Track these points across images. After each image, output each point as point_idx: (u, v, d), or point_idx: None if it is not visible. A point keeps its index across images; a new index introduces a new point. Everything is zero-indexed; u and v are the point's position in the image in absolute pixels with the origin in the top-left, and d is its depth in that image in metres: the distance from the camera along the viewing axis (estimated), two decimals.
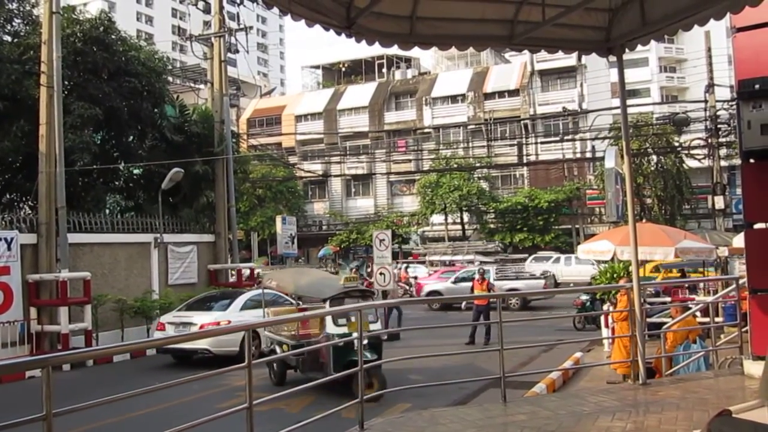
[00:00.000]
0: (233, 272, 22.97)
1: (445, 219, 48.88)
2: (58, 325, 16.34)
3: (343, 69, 64.51)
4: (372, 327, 11.41)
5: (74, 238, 17.56)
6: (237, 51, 24.43)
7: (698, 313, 11.68)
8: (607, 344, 14.74)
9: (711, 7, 6.28)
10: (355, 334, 10.29)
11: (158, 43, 34.33)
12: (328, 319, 11.45)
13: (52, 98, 16.82)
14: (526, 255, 41.11)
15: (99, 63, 20.01)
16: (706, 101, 28.57)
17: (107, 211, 22.74)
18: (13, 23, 20.59)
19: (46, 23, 17.09)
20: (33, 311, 16.39)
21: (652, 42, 7.57)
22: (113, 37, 20.93)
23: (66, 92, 18.99)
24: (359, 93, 57.72)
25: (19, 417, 3.61)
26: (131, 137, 22.40)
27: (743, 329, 8.53)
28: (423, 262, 38.67)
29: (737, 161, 15.70)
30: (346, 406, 6.34)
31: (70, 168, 17.94)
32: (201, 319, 14.46)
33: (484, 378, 11.28)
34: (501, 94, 52.44)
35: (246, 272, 23.20)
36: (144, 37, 43.80)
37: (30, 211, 19.43)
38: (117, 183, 23.34)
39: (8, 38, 20.18)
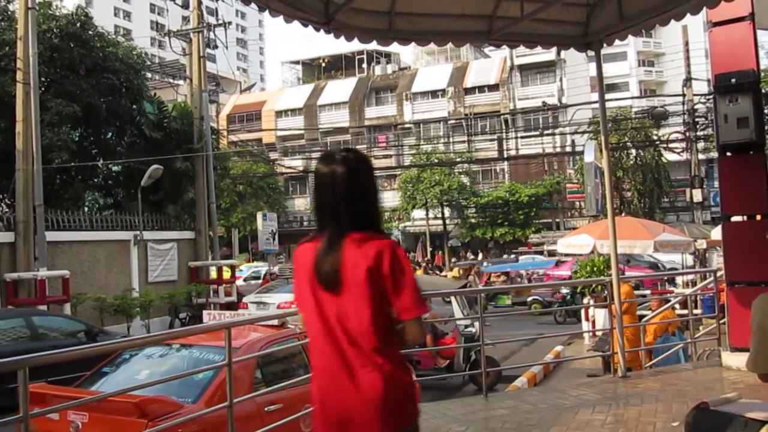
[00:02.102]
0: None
1: (426, 214, 48.94)
2: None
3: (323, 64, 64.33)
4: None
5: (52, 236, 17.38)
6: (216, 47, 24.27)
7: (677, 306, 11.81)
8: (587, 337, 14.87)
9: (687, 2, 6.34)
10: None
11: (136, 38, 34.01)
12: (457, 311, 11.99)
13: (28, 95, 16.60)
14: None
15: (76, 59, 19.79)
16: (683, 95, 28.81)
17: (86, 208, 22.52)
18: None
19: (21, 19, 16.85)
20: None
21: (631, 36, 7.63)
22: (90, 33, 20.72)
23: (43, 89, 18.77)
24: (339, 88, 57.59)
25: None
26: (110, 134, 22.21)
27: (721, 321, 8.63)
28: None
29: (715, 154, 15.85)
30: None
31: (47, 165, 17.73)
32: (279, 297, 14.78)
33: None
34: (481, 89, 52.54)
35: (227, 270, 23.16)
36: (122, 32, 43.42)
37: (7, 209, 19.21)
38: (96, 180, 23.12)
39: None
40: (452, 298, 12.11)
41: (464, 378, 11.76)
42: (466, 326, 11.71)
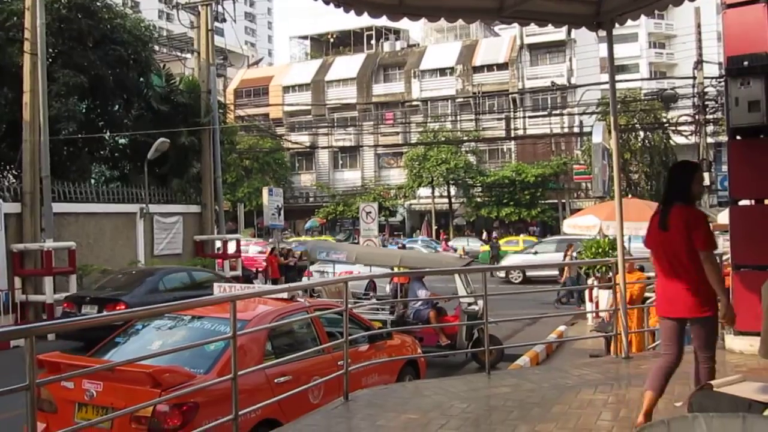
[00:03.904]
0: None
1: (432, 192, 48.91)
2: (43, 295, 16.25)
3: (332, 40, 64.02)
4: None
5: (59, 207, 17.43)
6: (224, 20, 24.16)
7: None
8: (590, 318, 14.88)
9: None
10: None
11: (144, 11, 33.91)
12: (461, 288, 12.00)
13: (36, 66, 16.57)
14: None
15: (84, 30, 19.72)
16: (694, 78, 28.61)
17: (92, 180, 22.54)
18: None
19: None
20: (17, 281, 16.28)
21: (642, 17, 7.55)
22: (99, 4, 20.61)
23: (50, 60, 18.72)
24: (347, 64, 57.34)
25: (3, 386, 3.60)
26: (117, 106, 22.17)
27: None
28: None
29: (723, 138, 15.82)
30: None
31: (54, 137, 17.74)
32: (338, 268, 15.05)
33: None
34: (490, 67, 52.24)
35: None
36: (130, 4, 43.21)
37: (14, 180, 19.25)
38: (102, 153, 23.13)
39: None
40: (455, 276, 12.12)
41: (467, 356, 11.81)
42: (469, 304, 11.75)
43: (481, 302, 11.95)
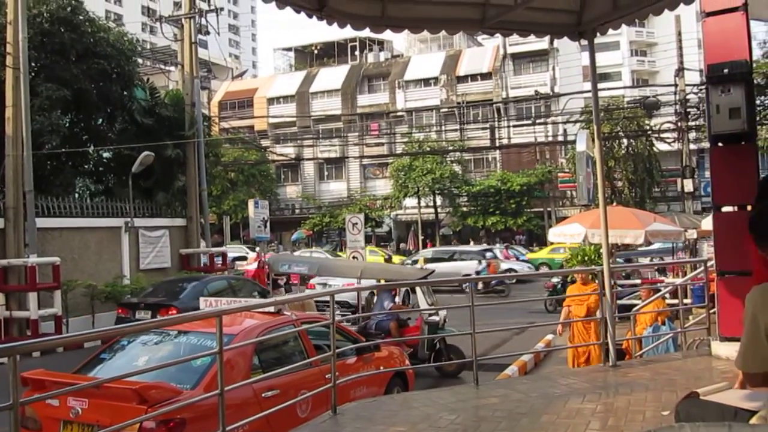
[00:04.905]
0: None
1: (418, 202, 48.97)
2: (28, 311, 16.07)
3: (316, 51, 64.12)
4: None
5: (43, 222, 17.30)
6: (208, 32, 24.10)
7: (667, 295, 11.85)
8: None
9: None
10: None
11: (127, 24, 33.84)
12: (422, 300, 12.12)
13: (18, 80, 16.47)
14: None
15: (67, 44, 19.62)
16: (676, 85, 28.84)
17: (77, 195, 22.39)
18: None
19: (11, 3, 16.68)
20: (1, 297, 16.13)
21: (623, 26, 7.61)
22: (81, 17, 20.51)
23: (33, 74, 18.63)
24: (332, 76, 57.42)
25: None
26: (101, 120, 22.06)
27: (711, 311, 8.66)
28: None
29: (706, 145, 15.88)
30: None
31: (37, 151, 17.62)
32: (338, 281, 15.69)
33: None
34: (474, 77, 52.50)
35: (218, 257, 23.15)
36: (113, 17, 43.17)
37: None
38: (86, 166, 22.97)
39: None
40: (417, 288, 12.19)
41: (429, 362, 11.73)
42: (430, 315, 11.80)
43: (442, 313, 12.05)
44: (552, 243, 30.77)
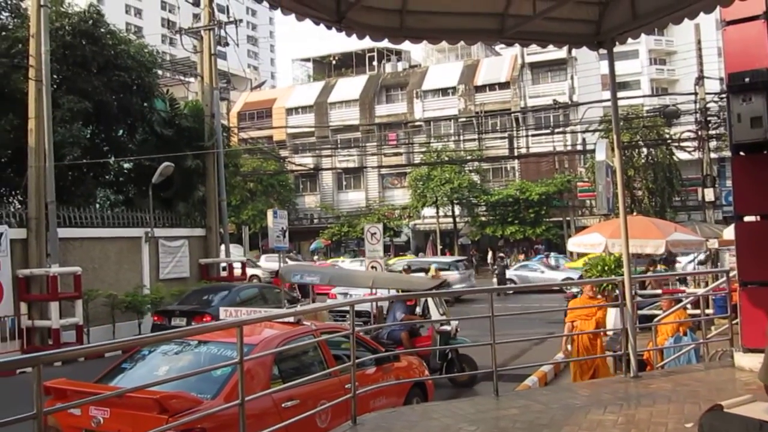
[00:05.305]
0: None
1: (437, 212, 48.91)
2: (49, 321, 16.25)
3: (334, 62, 64.36)
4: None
5: (64, 232, 17.47)
6: (227, 44, 24.28)
7: (689, 306, 11.75)
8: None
9: (701, 1, 6.29)
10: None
11: (147, 36, 34.09)
12: (433, 310, 12.13)
13: (40, 92, 16.69)
14: None
15: (88, 57, 19.84)
16: (696, 93, 28.66)
17: (97, 205, 22.61)
18: (1, 16, 20.39)
19: (34, 16, 16.95)
20: (23, 306, 16.30)
21: (642, 34, 7.58)
22: (102, 30, 20.75)
23: (55, 86, 18.86)
24: (350, 86, 57.60)
25: (10, 414, 3.59)
26: (121, 131, 22.27)
27: (734, 321, 8.58)
28: None
29: (727, 153, 15.82)
30: None
31: (59, 162, 17.82)
32: (357, 290, 15.79)
33: (477, 372, 11.35)
34: (492, 86, 52.45)
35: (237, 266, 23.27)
36: (133, 30, 43.55)
37: (19, 206, 19.30)
38: (107, 177, 23.19)
39: None
40: (429, 298, 12.14)
41: (440, 374, 11.60)
42: (442, 324, 11.76)
43: (454, 323, 12.00)
44: (588, 253, 30.58)
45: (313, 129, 55.99)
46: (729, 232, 15.13)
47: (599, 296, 13.26)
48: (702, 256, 19.69)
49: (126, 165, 22.99)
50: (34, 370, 3.68)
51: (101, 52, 20.19)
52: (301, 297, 18.39)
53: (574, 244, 17.69)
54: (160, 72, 25.15)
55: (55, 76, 18.75)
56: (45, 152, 16.67)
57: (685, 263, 22.09)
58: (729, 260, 16.09)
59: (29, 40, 17.09)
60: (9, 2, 20.42)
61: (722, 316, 10.97)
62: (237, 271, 23.58)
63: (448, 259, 34.43)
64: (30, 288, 16.53)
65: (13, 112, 18.14)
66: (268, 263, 36.48)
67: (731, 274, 9.00)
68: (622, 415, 6.27)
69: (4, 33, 19.78)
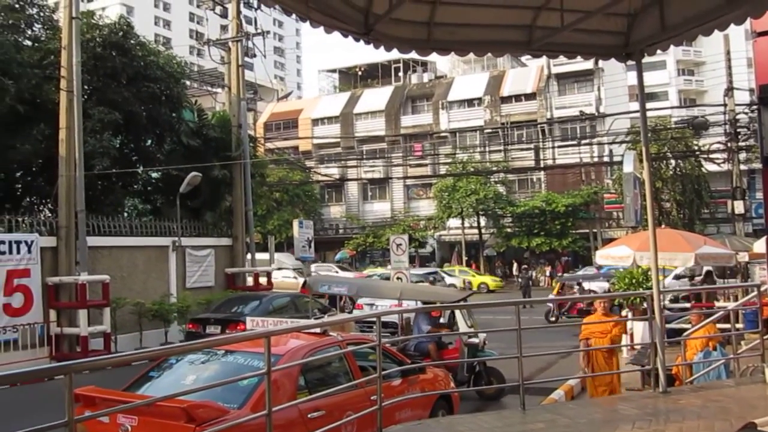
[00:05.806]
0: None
1: (462, 223, 48.73)
2: (77, 328, 16.43)
3: (360, 73, 64.58)
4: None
5: (93, 241, 17.68)
6: (254, 55, 24.50)
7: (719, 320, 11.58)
8: (625, 351, 14.63)
9: (731, 12, 6.22)
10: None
11: (176, 47, 34.56)
12: (461, 322, 12.17)
13: (71, 103, 16.94)
14: None
15: (118, 68, 20.10)
16: (725, 105, 28.38)
17: (126, 214, 22.87)
18: (33, 28, 20.74)
19: (65, 28, 17.22)
20: (52, 313, 16.49)
21: (671, 45, 7.52)
22: (132, 42, 21.04)
23: (86, 97, 19.12)
24: (376, 97, 57.74)
25: (40, 422, 3.64)
26: (149, 141, 22.52)
27: (765, 336, 8.44)
28: None
29: (757, 165, 15.61)
30: None
31: (89, 172, 18.04)
32: (383, 301, 15.95)
33: (503, 385, 11.27)
34: (518, 97, 52.27)
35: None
36: (162, 41, 44.14)
37: (50, 215, 19.58)
38: (136, 187, 23.46)
39: (28, 43, 20.30)
40: (457, 310, 12.11)
41: (468, 386, 11.59)
42: (470, 336, 11.70)
43: (481, 335, 11.92)
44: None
45: (338, 140, 56.18)
46: (759, 245, 14.93)
47: (624, 311, 13.16)
48: (680, 270, 19.34)
49: (154, 175, 23.23)
50: (65, 378, 3.73)
51: (131, 64, 20.45)
52: (331, 307, 18.44)
53: (601, 256, 17.50)
54: (188, 83, 25.45)
55: (85, 87, 19.01)
56: (75, 162, 16.89)
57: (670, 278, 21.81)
58: (759, 274, 15.85)
59: (61, 51, 17.36)
60: (41, 15, 20.79)
61: (753, 331, 10.80)
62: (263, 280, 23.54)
63: (420, 271, 34.60)
64: (59, 295, 16.73)
65: (45, 122, 18.42)
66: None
67: (762, 288, 8.87)
68: (651, 430, 6.19)
69: (36, 44, 20.15)
